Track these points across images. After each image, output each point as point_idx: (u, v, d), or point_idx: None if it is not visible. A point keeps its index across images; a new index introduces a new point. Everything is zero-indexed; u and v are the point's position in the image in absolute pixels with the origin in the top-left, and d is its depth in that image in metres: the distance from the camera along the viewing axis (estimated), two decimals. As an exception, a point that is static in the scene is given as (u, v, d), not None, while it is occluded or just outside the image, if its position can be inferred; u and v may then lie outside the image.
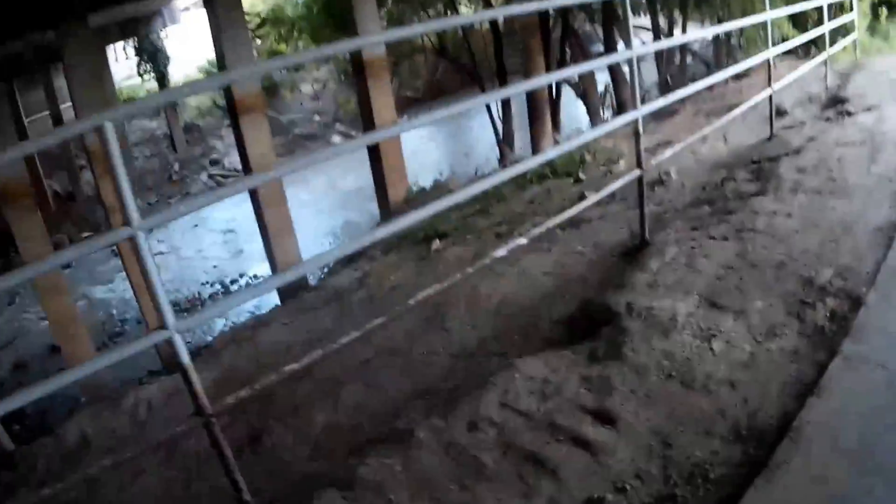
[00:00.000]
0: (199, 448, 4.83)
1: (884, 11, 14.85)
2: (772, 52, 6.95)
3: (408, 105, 22.78)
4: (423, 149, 17.29)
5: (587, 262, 6.04)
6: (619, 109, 14.89)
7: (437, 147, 17.99)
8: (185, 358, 2.87)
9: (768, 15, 7.41)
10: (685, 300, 4.41)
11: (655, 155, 5.93)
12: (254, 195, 12.14)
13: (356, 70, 13.44)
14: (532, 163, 5.19)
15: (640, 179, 5.25)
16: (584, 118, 16.63)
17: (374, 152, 13.29)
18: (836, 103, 8.10)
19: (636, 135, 5.16)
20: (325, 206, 16.67)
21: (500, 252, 4.64)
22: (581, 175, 8.55)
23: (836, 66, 10.53)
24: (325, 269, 11.00)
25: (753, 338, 4.05)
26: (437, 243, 8.43)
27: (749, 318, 4.17)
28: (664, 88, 15.38)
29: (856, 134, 6.73)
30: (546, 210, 7.79)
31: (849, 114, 7.55)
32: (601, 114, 16.02)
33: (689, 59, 18.13)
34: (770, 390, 3.68)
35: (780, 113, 8.34)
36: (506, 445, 3.27)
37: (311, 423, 4.78)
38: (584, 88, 15.81)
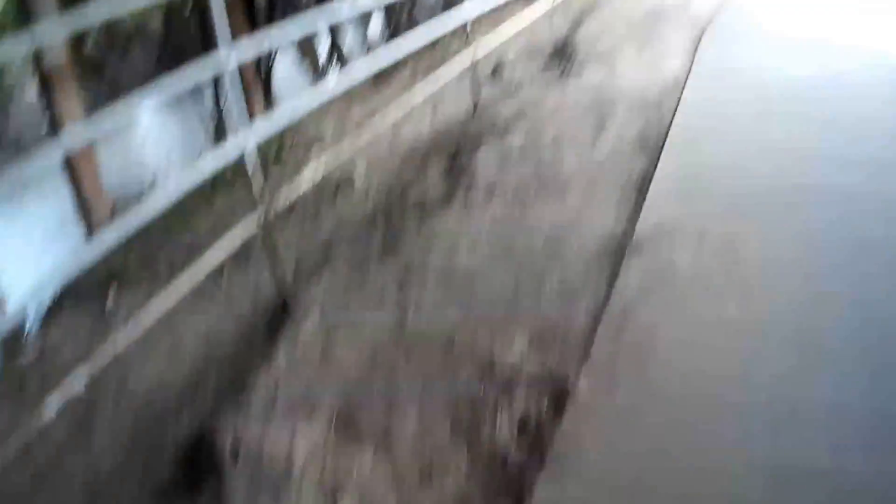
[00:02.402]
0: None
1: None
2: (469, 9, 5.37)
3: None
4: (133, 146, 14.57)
5: (241, 332, 4.28)
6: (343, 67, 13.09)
7: (155, 139, 15.22)
8: None
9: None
10: (310, 426, 2.74)
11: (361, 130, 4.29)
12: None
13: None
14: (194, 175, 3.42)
15: (264, 238, 3.58)
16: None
17: (69, 168, 10.70)
18: (563, 54, 6.74)
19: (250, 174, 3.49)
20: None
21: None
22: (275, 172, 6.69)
23: (573, 7, 9.30)
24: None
25: (403, 484, 2.44)
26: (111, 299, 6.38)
27: (394, 449, 2.57)
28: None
29: (580, 96, 5.36)
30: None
31: (576, 68, 6.18)
32: (327, 75, 13.94)
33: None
34: None
35: (498, 72, 6.86)
36: None
37: None
38: (304, 48, 13.73)
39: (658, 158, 4.23)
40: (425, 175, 4.72)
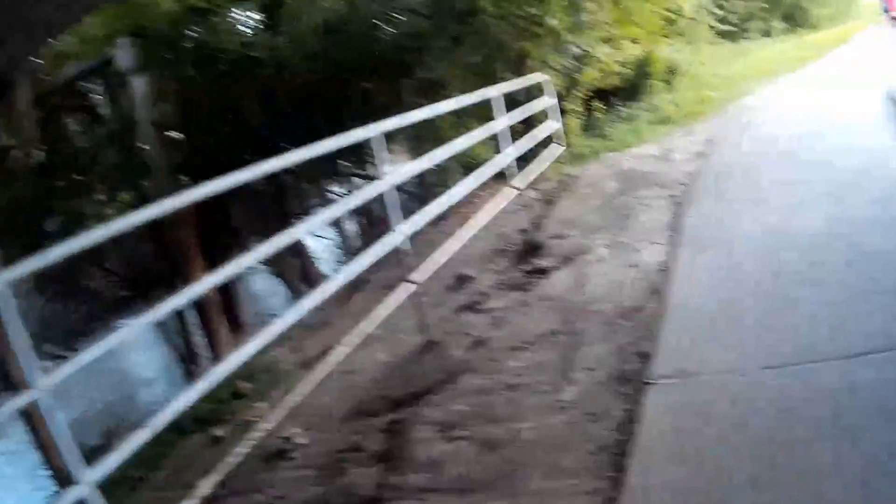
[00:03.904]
0: None
1: (597, 104, 13.42)
2: (401, 231, 4.69)
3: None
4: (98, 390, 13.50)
5: None
6: (311, 287, 12.48)
7: (120, 376, 14.20)
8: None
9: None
10: None
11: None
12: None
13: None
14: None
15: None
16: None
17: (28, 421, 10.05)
18: (529, 253, 6.03)
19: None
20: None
21: None
22: (219, 431, 5.68)
23: (543, 186, 8.74)
24: None
25: None
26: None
27: None
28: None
29: (545, 316, 4.61)
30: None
31: (542, 272, 5.46)
32: (301, 294, 13.24)
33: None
34: None
35: (463, 280, 6.11)
36: None
37: None
38: (279, 266, 13.27)
39: (641, 402, 3.35)
40: (361, 447, 3.82)
